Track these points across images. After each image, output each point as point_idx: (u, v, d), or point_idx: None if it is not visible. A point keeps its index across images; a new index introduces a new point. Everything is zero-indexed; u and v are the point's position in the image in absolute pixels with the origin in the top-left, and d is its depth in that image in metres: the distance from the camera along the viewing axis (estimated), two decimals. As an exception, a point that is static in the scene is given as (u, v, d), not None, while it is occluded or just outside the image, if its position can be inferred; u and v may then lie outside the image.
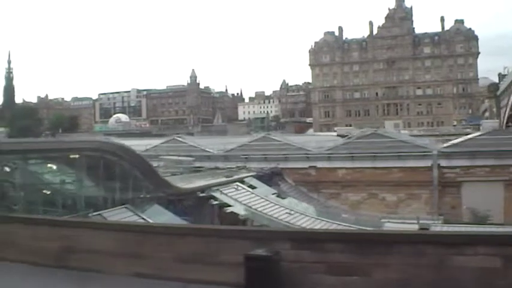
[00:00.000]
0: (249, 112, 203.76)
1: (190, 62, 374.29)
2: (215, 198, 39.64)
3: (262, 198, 44.04)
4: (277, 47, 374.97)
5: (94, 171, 29.17)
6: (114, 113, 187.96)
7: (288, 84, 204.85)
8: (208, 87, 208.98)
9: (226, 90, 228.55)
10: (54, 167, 28.94)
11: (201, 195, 39.49)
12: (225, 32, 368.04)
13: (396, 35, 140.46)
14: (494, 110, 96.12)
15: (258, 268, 7.77)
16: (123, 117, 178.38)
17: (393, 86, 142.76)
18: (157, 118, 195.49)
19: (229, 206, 39.84)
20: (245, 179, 47.51)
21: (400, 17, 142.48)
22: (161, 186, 34.49)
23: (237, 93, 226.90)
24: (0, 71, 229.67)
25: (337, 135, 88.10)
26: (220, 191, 41.01)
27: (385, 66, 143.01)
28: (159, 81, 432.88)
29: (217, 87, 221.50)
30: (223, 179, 44.98)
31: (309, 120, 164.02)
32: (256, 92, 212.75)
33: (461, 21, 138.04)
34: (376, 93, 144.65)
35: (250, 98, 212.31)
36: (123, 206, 30.84)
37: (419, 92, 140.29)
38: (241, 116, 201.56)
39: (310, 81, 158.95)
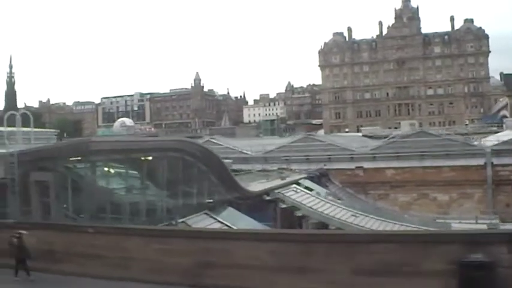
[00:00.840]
0: (254, 115, 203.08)
1: (193, 65, 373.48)
2: (282, 201, 38.98)
3: (322, 200, 43.33)
4: (281, 49, 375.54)
5: (174, 174, 27.71)
6: (118, 117, 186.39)
7: (293, 86, 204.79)
8: (212, 90, 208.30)
9: (228, 92, 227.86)
10: (132, 170, 27.05)
11: (267, 198, 38.79)
12: (228, 35, 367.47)
13: (406, 35, 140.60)
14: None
15: (477, 277, 6.60)
16: (128, 121, 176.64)
17: (404, 86, 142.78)
18: (161, 122, 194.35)
19: (297, 209, 39.28)
20: (299, 181, 46.80)
21: (408, 17, 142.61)
22: (233, 189, 33.45)
23: (240, 96, 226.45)
24: (1, 76, 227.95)
25: (363, 136, 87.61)
26: (283, 194, 40.30)
27: (395, 66, 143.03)
28: (162, 85, 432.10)
29: (219, 90, 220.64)
30: (281, 182, 44.12)
31: (316, 121, 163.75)
32: (260, 95, 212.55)
33: (471, 21, 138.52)
34: (387, 94, 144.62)
35: (255, 101, 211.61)
36: (202, 212, 29.83)
37: (430, 91, 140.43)
38: (246, 119, 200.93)
39: (317, 82, 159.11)
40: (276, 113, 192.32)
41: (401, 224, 40.86)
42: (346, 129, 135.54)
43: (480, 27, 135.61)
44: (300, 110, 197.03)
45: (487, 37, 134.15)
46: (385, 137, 64.77)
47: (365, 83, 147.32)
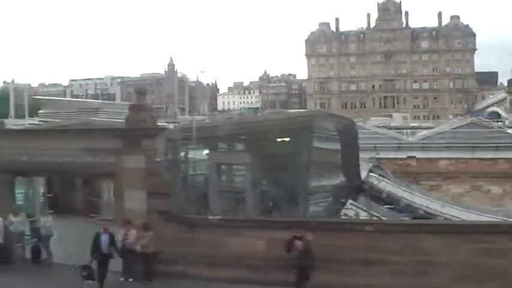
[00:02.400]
0: (228, 102, 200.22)
1: (164, 50, 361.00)
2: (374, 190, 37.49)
3: (400, 188, 42.22)
4: (256, 38, 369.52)
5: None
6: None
7: (269, 75, 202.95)
8: (185, 75, 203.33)
9: (197, 79, 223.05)
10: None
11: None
12: (200, 21, 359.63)
13: (394, 28, 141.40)
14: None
15: None
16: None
17: (390, 79, 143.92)
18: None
19: (393, 199, 38.05)
20: (366, 169, 45.34)
21: (394, 10, 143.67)
22: (356, 175, 31.51)
23: (212, 83, 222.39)
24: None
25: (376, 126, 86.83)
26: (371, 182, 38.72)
27: (382, 59, 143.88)
28: (133, 69, 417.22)
29: (191, 76, 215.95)
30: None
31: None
32: (234, 83, 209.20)
33: (458, 17, 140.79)
34: (373, 86, 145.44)
35: (229, 89, 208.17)
36: (350, 203, 27.69)
37: (416, 85, 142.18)
38: (220, 107, 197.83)
39: (293, 72, 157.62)
40: (251, 101, 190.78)
41: (488, 215, 40.11)
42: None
43: (467, 25, 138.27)
44: (276, 99, 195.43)
45: (474, 34, 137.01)
46: (406, 129, 64.40)
47: (351, 75, 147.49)
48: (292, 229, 13.90)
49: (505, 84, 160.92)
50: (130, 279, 15.43)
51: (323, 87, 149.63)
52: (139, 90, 16.39)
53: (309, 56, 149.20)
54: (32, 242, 18.69)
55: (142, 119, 15.77)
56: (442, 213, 37.17)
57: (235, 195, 17.11)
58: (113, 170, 15.96)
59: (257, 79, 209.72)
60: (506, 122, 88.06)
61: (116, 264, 15.39)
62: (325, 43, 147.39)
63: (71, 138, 16.78)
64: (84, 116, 31.71)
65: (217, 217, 15.68)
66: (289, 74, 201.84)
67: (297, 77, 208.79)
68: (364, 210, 27.63)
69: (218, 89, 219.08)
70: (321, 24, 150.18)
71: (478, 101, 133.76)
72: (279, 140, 17.58)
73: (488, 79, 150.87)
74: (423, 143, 55.73)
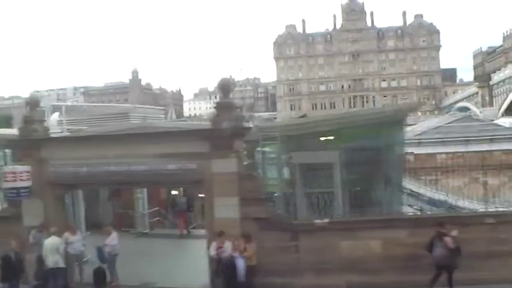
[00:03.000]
0: (195, 108, 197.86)
1: (127, 59, 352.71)
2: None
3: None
4: (219, 43, 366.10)
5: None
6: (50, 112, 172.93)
7: (234, 79, 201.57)
8: (149, 83, 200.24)
9: (160, 87, 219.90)
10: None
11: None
12: (162, 28, 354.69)
13: (361, 28, 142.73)
14: (487, 98, 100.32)
15: None
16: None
17: (359, 79, 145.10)
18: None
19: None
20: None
21: (360, 10, 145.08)
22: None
23: (176, 90, 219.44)
24: None
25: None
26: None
27: (350, 59, 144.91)
28: (97, 79, 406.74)
29: (154, 84, 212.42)
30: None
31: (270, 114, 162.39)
32: (200, 88, 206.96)
33: (421, 16, 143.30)
34: (342, 86, 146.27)
35: (195, 95, 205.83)
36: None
37: (384, 84, 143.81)
38: (186, 113, 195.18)
39: (258, 75, 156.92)
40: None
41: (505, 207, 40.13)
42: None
43: (431, 23, 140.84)
44: (242, 103, 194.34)
45: (438, 32, 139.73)
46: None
47: (320, 75, 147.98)
48: (438, 226, 13.32)
49: (465, 80, 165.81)
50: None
51: (292, 88, 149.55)
52: (224, 87, 14.87)
53: (277, 58, 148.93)
54: (83, 262, 16.86)
55: (233, 119, 14.32)
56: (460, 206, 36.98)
57: (322, 197, 15.93)
58: (198, 176, 14.39)
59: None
60: (481, 116, 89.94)
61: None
62: (292, 45, 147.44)
63: (143, 143, 15.00)
64: (113, 122, 29.46)
65: (326, 220, 14.40)
66: (255, 78, 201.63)
67: (262, 80, 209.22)
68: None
69: (182, 96, 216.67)
70: (287, 27, 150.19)
71: (445, 97, 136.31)
72: (369, 135, 16.49)
73: (448, 76, 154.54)
74: (419, 139, 55.81)
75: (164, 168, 14.49)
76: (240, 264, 13.06)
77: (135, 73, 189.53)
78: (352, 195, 15.80)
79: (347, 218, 15.02)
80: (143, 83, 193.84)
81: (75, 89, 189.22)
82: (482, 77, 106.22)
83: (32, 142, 16.34)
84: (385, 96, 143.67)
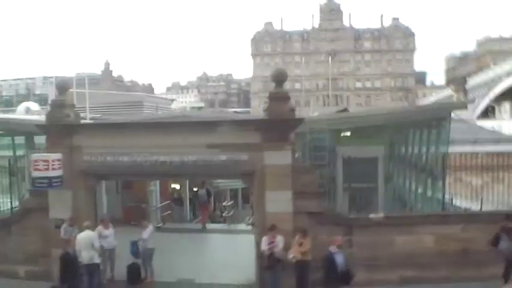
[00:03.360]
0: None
1: (99, 50, 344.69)
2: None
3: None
4: (190, 38, 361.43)
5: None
6: (17, 102, 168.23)
7: (207, 74, 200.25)
8: (120, 75, 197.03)
9: (131, 80, 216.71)
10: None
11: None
12: (136, 21, 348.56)
13: (338, 28, 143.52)
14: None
15: None
16: (33, 105, 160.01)
17: (334, 78, 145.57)
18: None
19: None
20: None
21: (337, 10, 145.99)
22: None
23: (147, 83, 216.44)
24: None
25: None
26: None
27: (326, 58, 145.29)
28: (68, 70, 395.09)
29: (126, 76, 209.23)
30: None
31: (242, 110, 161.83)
32: (173, 82, 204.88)
33: (397, 19, 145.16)
34: (317, 85, 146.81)
35: (167, 88, 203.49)
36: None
37: (359, 84, 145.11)
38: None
39: (231, 72, 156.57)
40: (190, 101, 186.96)
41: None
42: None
43: (408, 26, 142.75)
44: (214, 98, 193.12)
45: (413, 35, 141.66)
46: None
47: (296, 73, 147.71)
48: (504, 220, 13.22)
49: (436, 83, 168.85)
50: (279, 294, 13.44)
51: (267, 85, 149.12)
52: (279, 78, 14.30)
53: (254, 55, 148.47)
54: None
55: (288, 109, 13.79)
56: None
57: (363, 192, 15.60)
58: (249, 168, 13.80)
59: (195, 79, 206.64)
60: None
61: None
62: (270, 42, 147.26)
63: (192, 133, 14.22)
64: (128, 110, 28.50)
65: (381, 215, 14.09)
66: (228, 74, 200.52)
67: (234, 76, 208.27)
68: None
69: (153, 89, 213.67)
70: (265, 24, 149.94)
71: (417, 99, 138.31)
72: (415, 132, 16.23)
73: (418, 78, 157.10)
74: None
75: (215, 159, 13.83)
76: (339, 259, 12.52)
77: (107, 65, 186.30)
78: (394, 191, 15.56)
79: (402, 213, 14.76)
80: (115, 74, 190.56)
81: (45, 78, 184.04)
82: (458, 81, 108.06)
83: (63, 128, 15.33)
84: (359, 96, 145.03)
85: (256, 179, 13.89)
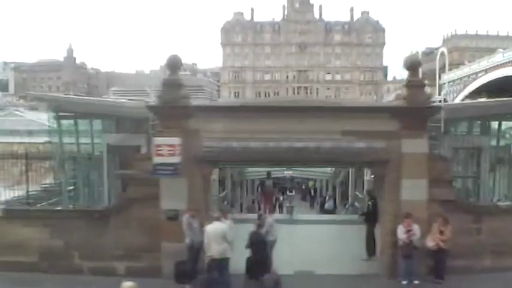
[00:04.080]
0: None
1: (63, 36, 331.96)
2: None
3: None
4: (154, 26, 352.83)
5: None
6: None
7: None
8: (83, 62, 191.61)
9: (91, 67, 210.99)
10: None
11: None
12: (101, 7, 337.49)
13: (309, 20, 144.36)
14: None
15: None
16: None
17: (304, 70, 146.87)
18: (26, 94, 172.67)
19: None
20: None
21: (308, 2, 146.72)
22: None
23: (110, 71, 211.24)
24: None
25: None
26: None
27: (297, 50, 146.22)
28: (29, 55, 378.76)
29: (89, 63, 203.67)
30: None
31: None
32: (137, 71, 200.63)
33: (367, 13, 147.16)
34: (287, 76, 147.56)
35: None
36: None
37: (328, 77, 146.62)
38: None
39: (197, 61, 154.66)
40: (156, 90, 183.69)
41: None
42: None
43: (377, 21, 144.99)
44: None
45: (383, 30, 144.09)
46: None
47: (266, 64, 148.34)
48: None
49: (398, 77, 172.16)
50: (416, 282, 13.51)
51: (237, 76, 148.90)
52: (414, 65, 14.27)
53: (224, 44, 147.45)
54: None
55: (425, 97, 13.81)
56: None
57: (465, 181, 15.80)
58: (386, 156, 13.74)
59: (158, 67, 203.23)
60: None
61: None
62: (240, 32, 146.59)
63: (326, 118, 13.97)
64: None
65: (507, 203, 14.40)
66: (193, 64, 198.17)
67: (198, 66, 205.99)
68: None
69: (115, 77, 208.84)
70: (236, 14, 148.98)
71: (386, 93, 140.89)
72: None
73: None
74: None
75: (352, 146, 13.68)
76: None
77: (70, 51, 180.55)
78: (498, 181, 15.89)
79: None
80: (78, 61, 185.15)
81: (5, 64, 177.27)
82: (431, 76, 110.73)
83: (180, 110, 14.61)
84: (328, 89, 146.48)
85: (391, 167, 13.85)
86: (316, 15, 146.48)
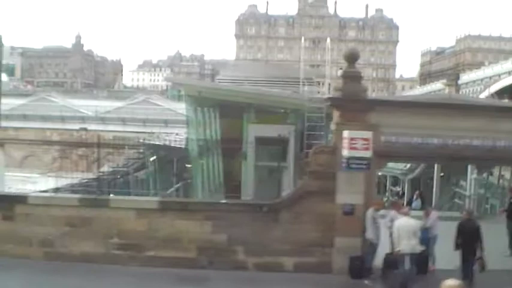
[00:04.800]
0: (138, 79, 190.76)
1: (70, 22, 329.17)
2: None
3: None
4: (163, 15, 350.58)
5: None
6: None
7: (181, 54, 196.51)
8: (91, 50, 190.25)
9: (96, 54, 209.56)
10: None
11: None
12: None
13: (323, 15, 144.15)
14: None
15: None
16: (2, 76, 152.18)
17: (317, 65, 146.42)
18: (33, 79, 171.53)
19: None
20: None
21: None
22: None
23: (116, 59, 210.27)
24: None
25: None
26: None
27: (310, 44, 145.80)
28: (36, 41, 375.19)
29: (96, 51, 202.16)
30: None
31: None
32: (144, 60, 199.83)
33: (381, 11, 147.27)
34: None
35: (139, 65, 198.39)
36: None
37: (340, 72, 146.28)
38: (129, 83, 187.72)
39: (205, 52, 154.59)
40: (161, 79, 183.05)
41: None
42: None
43: (392, 19, 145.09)
44: (188, 79, 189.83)
45: (397, 28, 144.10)
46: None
47: (279, 58, 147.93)
48: None
49: (405, 76, 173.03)
50: None
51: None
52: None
53: (237, 36, 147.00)
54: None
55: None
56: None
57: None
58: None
59: (165, 57, 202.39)
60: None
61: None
62: (254, 25, 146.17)
63: (490, 118, 13.98)
64: (285, 86, 26.65)
65: None
66: (202, 54, 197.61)
67: (205, 58, 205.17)
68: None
69: (122, 65, 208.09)
70: (250, 6, 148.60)
71: (401, 91, 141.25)
72: None
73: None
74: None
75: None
76: None
77: (78, 38, 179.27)
78: None
79: None
80: (85, 49, 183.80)
81: (12, 48, 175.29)
82: (452, 76, 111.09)
83: (362, 104, 14.44)
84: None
85: None
86: (331, 11, 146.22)
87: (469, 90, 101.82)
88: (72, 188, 39.89)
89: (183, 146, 28.66)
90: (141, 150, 36.64)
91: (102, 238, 14.21)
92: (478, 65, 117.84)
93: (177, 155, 25.22)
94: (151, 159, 30.12)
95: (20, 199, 14.61)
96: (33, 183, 36.35)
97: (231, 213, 14.63)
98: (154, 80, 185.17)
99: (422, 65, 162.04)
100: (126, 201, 15.13)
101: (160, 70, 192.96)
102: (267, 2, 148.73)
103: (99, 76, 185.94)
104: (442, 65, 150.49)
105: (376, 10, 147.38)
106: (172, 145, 30.45)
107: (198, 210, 14.78)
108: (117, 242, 14.20)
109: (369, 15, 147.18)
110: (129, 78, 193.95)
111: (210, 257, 14.29)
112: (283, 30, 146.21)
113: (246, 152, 18.36)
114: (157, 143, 34.18)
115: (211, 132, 19.81)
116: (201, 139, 19.55)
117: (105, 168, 43.57)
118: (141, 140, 37.59)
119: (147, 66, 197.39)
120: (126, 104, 70.23)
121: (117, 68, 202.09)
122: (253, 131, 18.61)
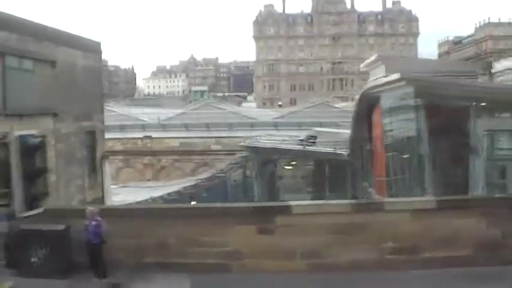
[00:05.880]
0: (154, 87, 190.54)
1: (81, 32, 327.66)
2: None
3: None
4: (179, 21, 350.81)
5: None
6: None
7: (195, 58, 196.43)
8: (104, 59, 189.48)
9: (107, 63, 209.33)
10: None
11: None
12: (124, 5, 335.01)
13: (341, 11, 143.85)
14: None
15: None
16: None
17: (338, 62, 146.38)
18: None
19: None
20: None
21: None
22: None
23: (129, 68, 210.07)
24: None
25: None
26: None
27: (330, 41, 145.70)
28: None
29: (109, 60, 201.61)
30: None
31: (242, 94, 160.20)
32: (158, 67, 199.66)
33: (399, 2, 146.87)
34: (321, 68, 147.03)
35: (152, 73, 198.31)
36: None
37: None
38: (145, 91, 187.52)
39: (218, 55, 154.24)
40: (178, 85, 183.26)
41: None
42: (279, 103, 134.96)
43: (410, 10, 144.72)
44: (204, 83, 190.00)
45: (417, 19, 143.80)
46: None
47: (300, 57, 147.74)
48: None
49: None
50: None
51: (272, 69, 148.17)
52: None
53: (256, 38, 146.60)
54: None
55: None
56: None
57: None
58: None
59: (177, 63, 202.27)
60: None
61: None
62: (272, 25, 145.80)
63: None
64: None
65: None
66: (216, 58, 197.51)
67: (219, 61, 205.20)
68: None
69: (135, 73, 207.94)
70: (266, 6, 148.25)
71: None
72: None
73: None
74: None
75: None
76: None
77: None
78: None
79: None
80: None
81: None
82: (484, 65, 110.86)
83: None
84: (363, 80, 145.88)
85: None
86: (348, 6, 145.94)
87: (505, 78, 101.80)
88: (170, 197, 39.47)
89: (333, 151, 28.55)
90: (243, 154, 36.46)
91: (375, 243, 13.83)
92: (501, 53, 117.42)
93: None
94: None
95: (282, 209, 14.22)
96: (115, 194, 36.04)
97: (505, 208, 14.36)
98: (169, 86, 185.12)
99: (440, 56, 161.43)
100: (401, 203, 14.72)
101: (176, 76, 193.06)
102: (284, 1, 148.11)
103: (113, 86, 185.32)
104: (462, 54, 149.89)
105: (394, 2, 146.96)
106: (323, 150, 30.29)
107: (475, 206, 14.47)
108: (391, 246, 13.81)
109: (387, 7, 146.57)
110: (144, 86, 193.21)
111: (486, 254, 13.97)
112: (302, 28, 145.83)
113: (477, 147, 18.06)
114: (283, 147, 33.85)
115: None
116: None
117: (202, 175, 43.39)
118: (242, 144, 37.35)
119: (162, 72, 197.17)
120: (188, 110, 69.98)
121: (130, 76, 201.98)
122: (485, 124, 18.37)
